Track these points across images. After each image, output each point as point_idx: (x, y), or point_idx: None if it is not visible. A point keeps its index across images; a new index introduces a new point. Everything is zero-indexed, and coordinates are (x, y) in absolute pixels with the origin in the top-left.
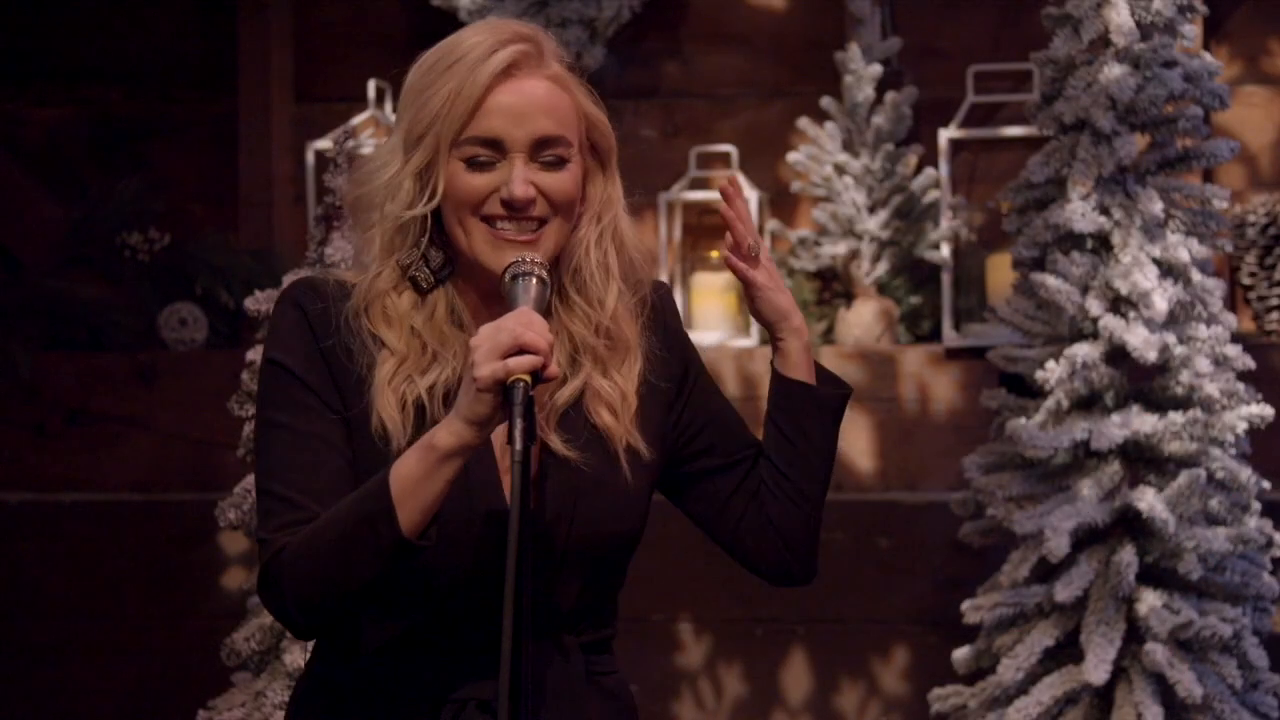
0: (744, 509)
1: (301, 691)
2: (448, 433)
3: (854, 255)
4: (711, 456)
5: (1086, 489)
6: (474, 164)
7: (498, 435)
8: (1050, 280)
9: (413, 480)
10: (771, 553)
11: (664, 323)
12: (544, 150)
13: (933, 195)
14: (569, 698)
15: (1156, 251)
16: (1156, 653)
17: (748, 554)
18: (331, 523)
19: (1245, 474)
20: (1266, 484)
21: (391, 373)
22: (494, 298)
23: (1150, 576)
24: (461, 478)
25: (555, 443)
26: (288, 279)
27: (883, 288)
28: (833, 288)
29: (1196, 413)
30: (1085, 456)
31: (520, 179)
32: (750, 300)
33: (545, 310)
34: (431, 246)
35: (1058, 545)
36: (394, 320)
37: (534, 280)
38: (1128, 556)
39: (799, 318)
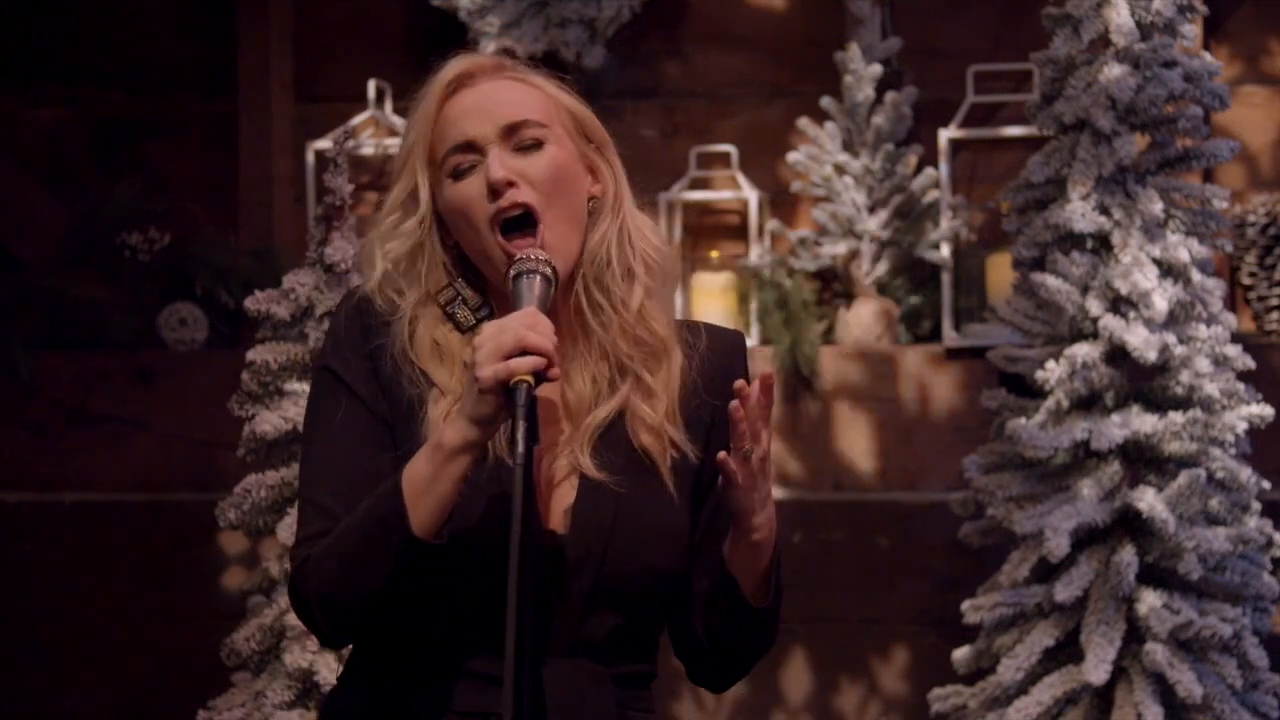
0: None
1: (329, 702)
2: (453, 431)
3: (854, 255)
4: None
5: (1086, 489)
6: (458, 174)
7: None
8: (1050, 280)
9: (423, 480)
10: (678, 650)
11: (719, 372)
12: (516, 135)
13: (933, 195)
14: None
15: (1156, 251)
16: (1156, 653)
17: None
18: (350, 529)
19: (1245, 474)
20: (1266, 484)
21: (446, 411)
22: None
23: (1150, 576)
24: (495, 486)
25: (588, 465)
26: (288, 279)
27: (883, 288)
28: (833, 288)
29: (1196, 413)
30: (1085, 456)
31: (495, 163)
32: (723, 490)
33: (551, 309)
34: (467, 286)
35: (1058, 545)
36: (447, 356)
37: (538, 278)
38: (1128, 556)
39: (763, 522)
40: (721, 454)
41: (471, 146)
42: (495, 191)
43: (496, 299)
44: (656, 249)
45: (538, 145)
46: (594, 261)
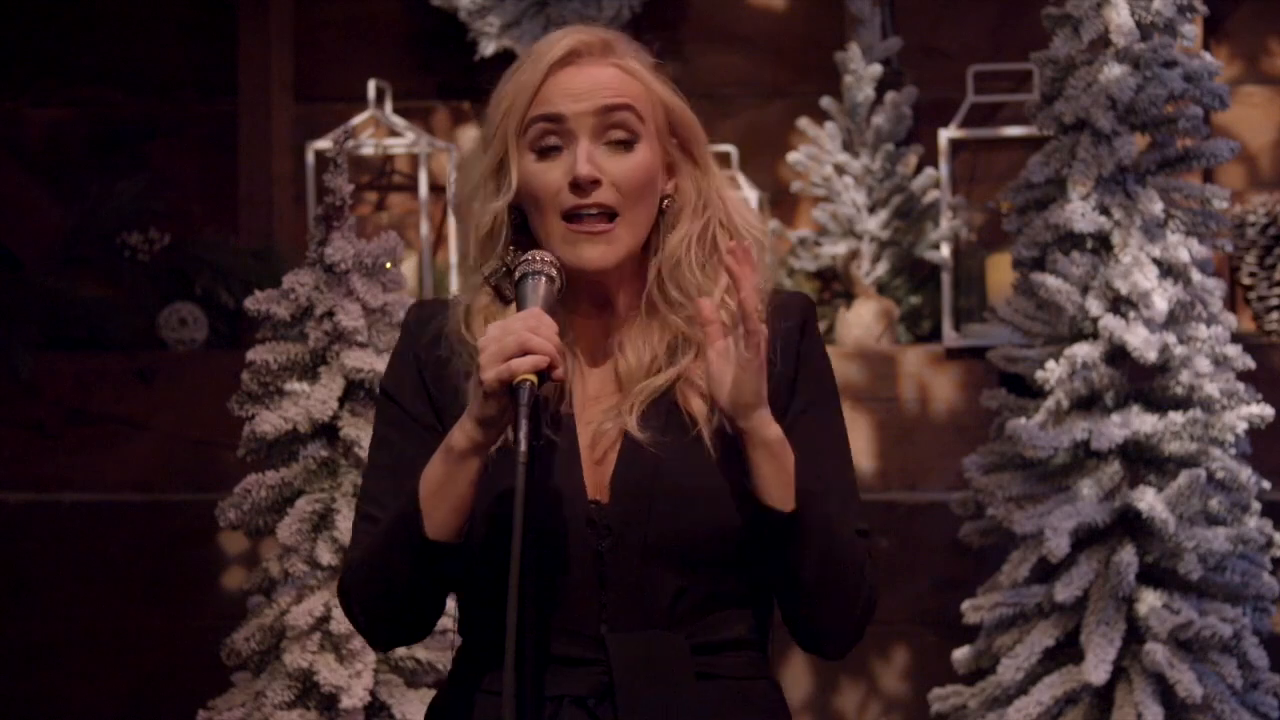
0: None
1: (432, 703)
2: (460, 434)
3: (854, 255)
4: None
5: (1086, 489)
6: (543, 153)
7: (584, 434)
8: (1050, 280)
9: (437, 482)
10: (786, 619)
11: (784, 333)
12: (609, 121)
13: (933, 195)
14: (668, 695)
15: (1156, 251)
16: (1156, 653)
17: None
18: (379, 531)
19: (1245, 474)
20: (1266, 484)
21: None
22: (594, 304)
23: (1150, 576)
24: (544, 477)
25: (633, 427)
26: (288, 279)
27: (883, 288)
28: (833, 288)
29: (1196, 413)
30: (1085, 456)
31: (584, 156)
32: (739, 373)
33: (617, 311)
34: (515, 253)
35: (1058, 545)
36: None
37: (543, 279)
38: (1128, 556)
39: (770, 419)
40: (745, 297)
41: (561, 121)
42: (579, 187)
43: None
44: (751, 226)
45: (628, 144)
46: (673, 259)
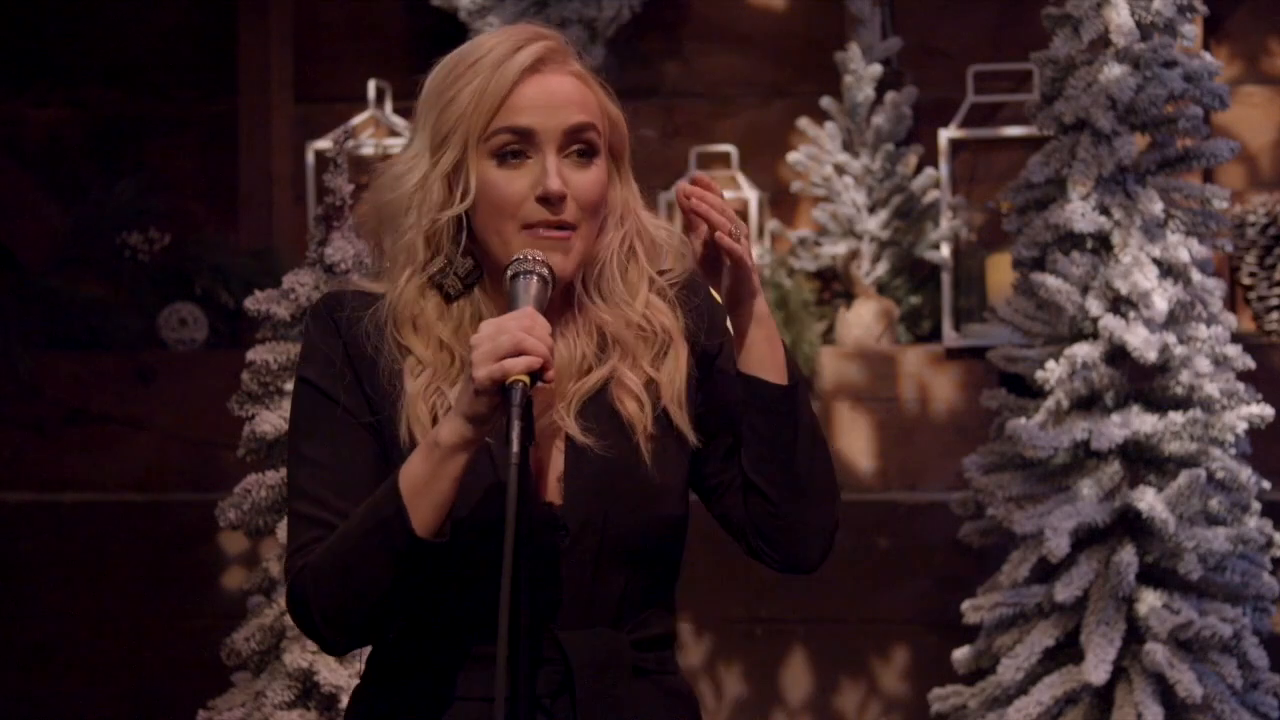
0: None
1: (352, 702)
2: (449, 430)
3: (854, 255)
4: (725, 436)
5: (1086, 489)
6: (504, 159)
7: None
8: (1050, 280)
9: (421, 480)
10: (751, 541)
11: (700, 301)
12: (575, 137)
13: (933, 195)
14: (617, 692)
15: (1156, 251)
16: (1156, 653)
17: (737, 538)
18: (347, 534)
19: (1245, 474)
20: (1266, 484)
21: (424, 386)
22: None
23: (1150, 576)
24: (494, 474)
25: (573, 428)
26: (288, 279)
27: (883, 288)
28: (833, 288)
29: (1196, 413)
30: (1085, 456)
31: (553, 171)
32: (733, 282)
33: (550, 309)
34: (460, 253)
35: (1058, 545)
36: (422, 331)
37: (535, 279)
38: (1128, 556)
39: (763, 303)
40: (724, 239)
41: (530, 137)
42: (550, 201)
43: (492, 273)
44: (669, 240)
45: (589, 158)
46: (598, 263)
